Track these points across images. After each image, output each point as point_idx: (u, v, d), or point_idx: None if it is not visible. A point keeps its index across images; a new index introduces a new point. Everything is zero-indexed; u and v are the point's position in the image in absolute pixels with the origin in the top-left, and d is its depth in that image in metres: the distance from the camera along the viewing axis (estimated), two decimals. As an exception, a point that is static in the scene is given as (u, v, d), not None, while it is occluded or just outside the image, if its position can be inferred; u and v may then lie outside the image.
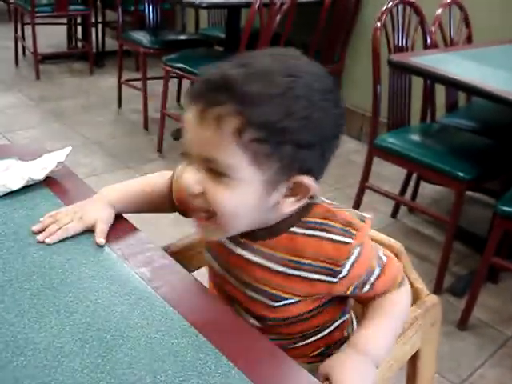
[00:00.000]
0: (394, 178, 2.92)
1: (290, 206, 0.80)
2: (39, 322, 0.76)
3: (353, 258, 0.83)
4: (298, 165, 0.76)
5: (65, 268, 0.87)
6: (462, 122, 2.68)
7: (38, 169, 1.08)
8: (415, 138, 2.49)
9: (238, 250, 0.88)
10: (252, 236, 0.85)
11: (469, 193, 2.51)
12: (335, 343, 0.96)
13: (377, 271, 0.88)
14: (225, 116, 0.71)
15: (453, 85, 2.27)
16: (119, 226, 0.99)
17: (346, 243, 0.83)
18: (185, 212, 0.98)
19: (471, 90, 2.23)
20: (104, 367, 0.70)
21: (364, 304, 0.94)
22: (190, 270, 0.92)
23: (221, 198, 0.76)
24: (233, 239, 0.87)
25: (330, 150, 0.80)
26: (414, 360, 1.07)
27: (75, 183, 1.13)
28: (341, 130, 0.80)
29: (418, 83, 2.57)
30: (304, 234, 0.84)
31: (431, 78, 2.43)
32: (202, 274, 1.06)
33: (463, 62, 2.30)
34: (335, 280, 0.84)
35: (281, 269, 0.85)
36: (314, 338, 0.96)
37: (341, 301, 0.95)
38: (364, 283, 0.88)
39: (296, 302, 0.88)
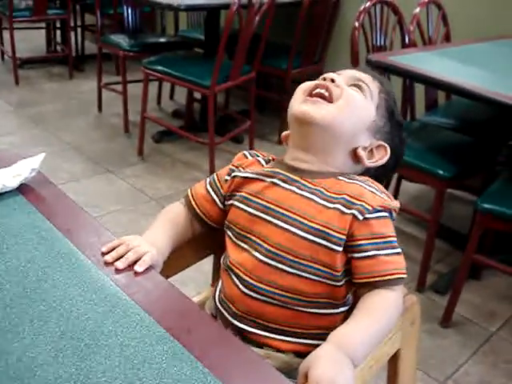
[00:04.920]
0: (375, 177, 2.93)
1: (369, 164, 1.05)
2: (12, 332, 0.75)
3: (382, 213, 0.96)
4: (387, 138, 1.07)
5: (38, 276, 0.86)
6: (441, 120, 2.70)
7: (12, 176, 1.07)
8: (395, 136, 2.48)
9: (287, 186, 1.01)
10: (303, 173, 1.02)
11: (450, 190, 2.52)
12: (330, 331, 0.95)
13: (388, 251, 0.95)
14: (375, 80, 1.09)
15: (431, 84, 2.28)
16: (93, 232, 0.98)
17: (382, 198, 0.98)
18: (211, 219, 1.12)
19: (450, 89, 2.24)
20: (78, 377, 0.69)
21: (359, 294, 0.98)
22: (166, 277, 0.91)
23: (353, 92, 1.04)
24: (283, 178, 1.02)
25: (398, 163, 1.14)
26: (394, 360, 1.07)
27: (50, 190, 1.11)
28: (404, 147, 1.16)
29: (396, 82, 2.57)
30: (347, 182, 1.00)
31: (410, 78, 2.44)
32: (179, 281, 1.05)
33: (442, 61, 2.31)
34: (360, 217, 0.94)
35: (322, 202, 0.97)
36: (319, 311, 1.00)
37: (347, 286, 1.00)
38: (372, 248, 0.94)
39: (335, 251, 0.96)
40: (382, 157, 1.06)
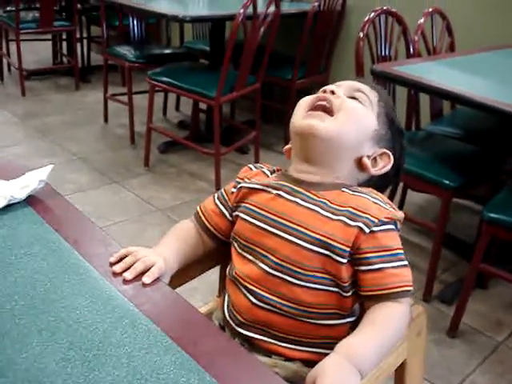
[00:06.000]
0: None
1: (374, 172, 1.06)
2: (21, 343, 0.75)
3: (388, 226, 0.96)
4: (389, 145, 1.08)
5: (47, 287, 0.86)
6: (446, 129, 2.70)
7: (20, 187, 1.08)
8: (401, 146, 2.48)
9: (291, 198, 1.01)
10: (307, 185, 1.02)
11: (456, 199, 2.51)
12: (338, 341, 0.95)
13: (395, 263, 0.95)
14: (373, 89, 1.11)
15: (436, 93, 2.28)
16: (101, 243, 0.99)
17: (388, 209, 0.97)
18: (221, 233, 1.12)
19: (455, 99, 2.25)
20: (86, 387, 0.69)
21: (365, 306, 0.97)
22: (173, 287, 0.92)
23: (352, 103, 1.05)
24: (288, 190, 1.02)
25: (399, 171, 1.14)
26: (401, 370, 1.06)
27: (58, 201, 1.12)
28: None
29: (402, 92, 2.58)
30: (351, 194, 1.00)
31: (414, 87, 2.44)
32: (185, 291, 1.05)
33: (446, 70, 2.32)
34: (367, 230, 0.94)
35: (326, 214, 0.97)
36: (326, 322, 0.99)
37: (354, 297, 0.99)
38: (379, 261, 0.94)
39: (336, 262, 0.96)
40: (385, 164, 1.07)
